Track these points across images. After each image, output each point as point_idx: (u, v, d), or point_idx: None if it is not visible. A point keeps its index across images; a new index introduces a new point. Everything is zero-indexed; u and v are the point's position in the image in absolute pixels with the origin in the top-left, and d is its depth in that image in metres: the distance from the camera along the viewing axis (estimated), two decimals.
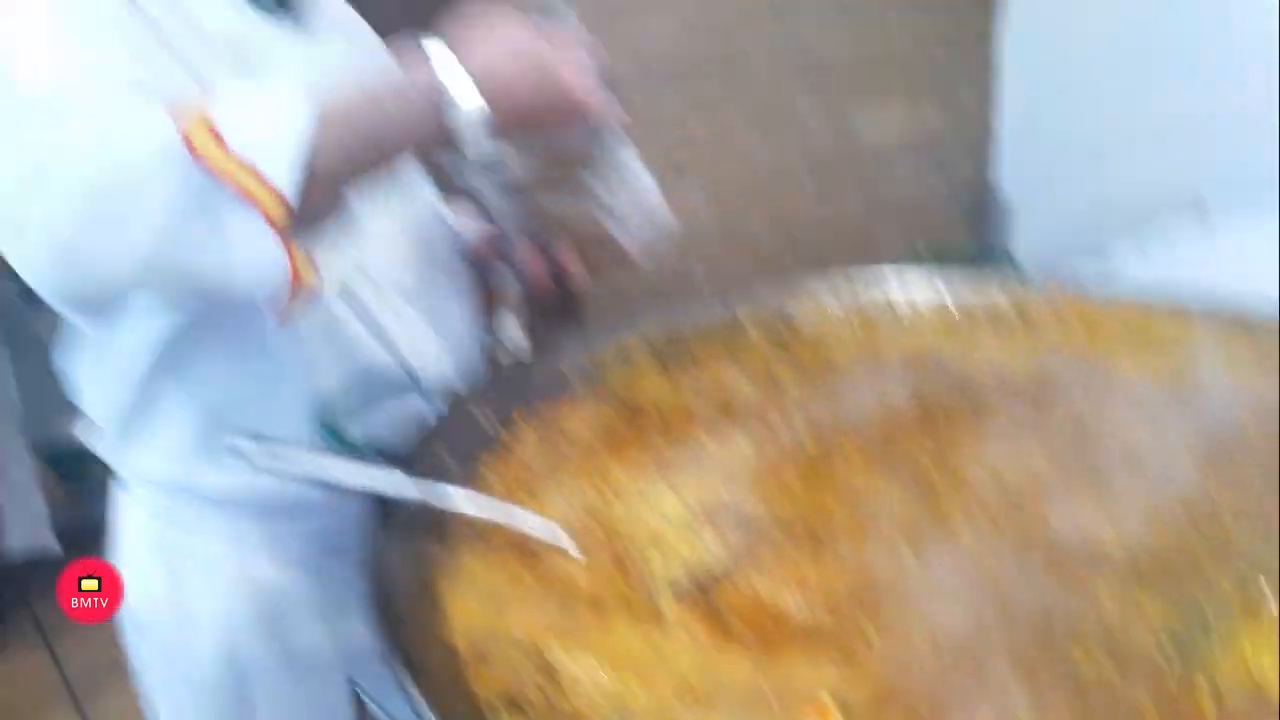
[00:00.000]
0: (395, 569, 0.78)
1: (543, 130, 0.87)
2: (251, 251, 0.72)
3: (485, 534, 0.88)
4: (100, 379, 0.99)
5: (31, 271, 0.75)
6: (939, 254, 2.18)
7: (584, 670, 0.70)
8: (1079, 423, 1.06)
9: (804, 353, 1.28)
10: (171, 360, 0.94)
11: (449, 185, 1.11)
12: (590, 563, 0.83)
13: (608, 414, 1.13)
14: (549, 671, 0.71)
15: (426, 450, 0.94)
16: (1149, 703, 0.65)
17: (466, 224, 1.30)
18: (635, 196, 1.02)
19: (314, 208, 0.74)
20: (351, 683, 1.13)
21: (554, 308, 1.21)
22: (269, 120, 0.74)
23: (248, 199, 0.70)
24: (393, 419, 1.04)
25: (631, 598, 0.79)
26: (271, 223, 0.71)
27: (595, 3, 1.48)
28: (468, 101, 0.77)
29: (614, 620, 0.76)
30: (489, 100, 0.77)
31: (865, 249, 2.08)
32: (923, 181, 2.18)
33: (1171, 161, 1.91)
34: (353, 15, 1.13)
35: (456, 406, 1.04)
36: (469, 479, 0.97)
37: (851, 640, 0.73)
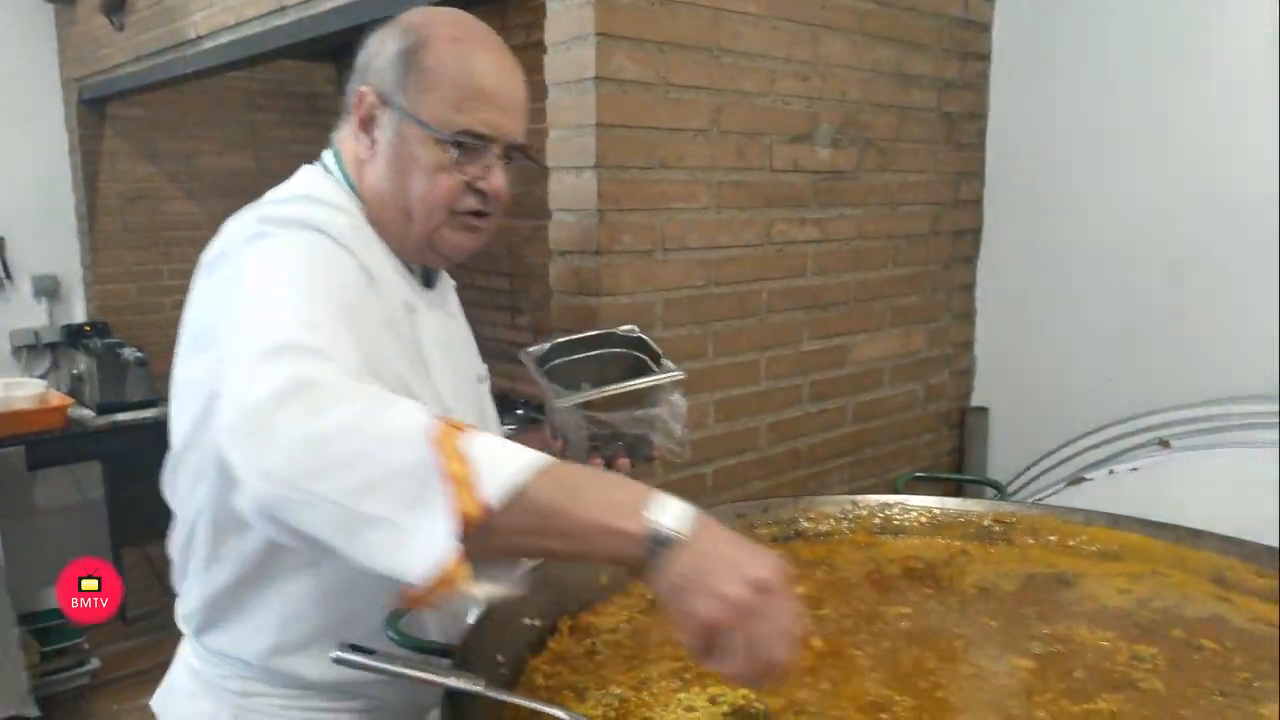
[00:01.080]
0: None
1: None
2: (423, 539, 0.77)
3: None
4: (209, 563, 1.12)
5: (260, 481, 0.80)
6: (926, 467, 2.37)
7: None
8: (1055, 632, 1.20)
9: (810, 557, 1.43)
10: (274, 567, 1.08)
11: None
12: None
13: (634, 611, 1.26)
14: None
15: (478, 648, 1.05)
16: None
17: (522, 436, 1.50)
18: (677, 420, 1.29)
19: (499, 541, 0.81)
20: None
21: None
22: (505, 450, 0.83)
23: (451, 487, 0.78)
24: (443, 618, 1.17)
25: None
26: (464, 521, 0.78)
27: (642, 265, 1.72)
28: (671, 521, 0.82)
29: None
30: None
31: (855, 451, 2.27)
32: (908, 396, 2.39)
33: (1139, 398, 2.12)
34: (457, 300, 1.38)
35: (505, 610, 1.16)
36: (516, 676, 1.09)
37: None
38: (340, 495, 0.78)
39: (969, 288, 2.50)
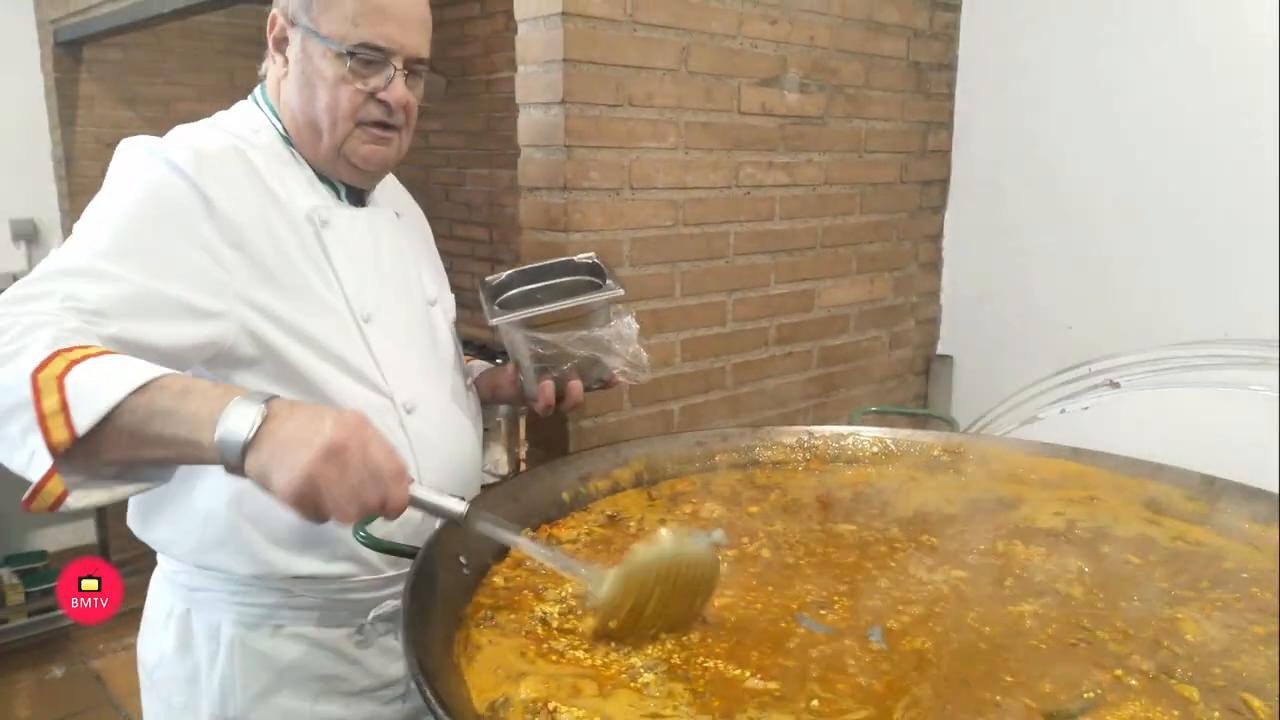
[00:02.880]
0: (428, 650, 0.93)
1: None
2: (24, 457, 0.89)
3: (498, 621, 1.05)
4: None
5: None
6: (887, 406, 2.43)
7: (579, 717, 0.86)
8: (994, 549, 1.26)
9: (765, 482, 1.49)
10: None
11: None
12: (585, 642, 1.00)
13: (594, 525, 1.32)
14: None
15: (441, 550, 1.11)
16: None
17: (479, 365, 1.56)
18: (626, 338, 1.34)
19: (102, 455, 0.91)
20: None
21: (551, 419, 1.46)
22: (111, 376, 0.91)
23: (40, 425, 0.88)
24: (407, 526, 1.23)
25: (620, 673, 0.95)
26: (52, 448, 0.88)
27: (609, 203, 1.76)
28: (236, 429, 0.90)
29: (606, 686, 0.92)
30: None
31: (821, 395, 2.33)
32: (874, 342, 2.45)
33: (1095, 344, 2.19)
34: (409, 200, 1.44)
35: (470, 520, 1.21)
36: (478, 577, 1.15)
37: (795, 701, 0.90)
38: None
39: (936, 237, 2.55)
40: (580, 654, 0.99)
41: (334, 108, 1.20)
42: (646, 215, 1.85)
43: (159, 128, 1.18)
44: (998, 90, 2.42)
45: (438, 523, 1.14)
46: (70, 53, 3.87)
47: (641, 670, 0.96)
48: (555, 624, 1.05)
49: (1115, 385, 1.88)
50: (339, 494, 0.89)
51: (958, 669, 0.98)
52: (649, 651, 0.99)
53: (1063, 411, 1.91)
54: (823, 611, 1.10)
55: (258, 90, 1.30)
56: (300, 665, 1.26)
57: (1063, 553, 1.26)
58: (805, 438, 1.62)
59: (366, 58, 1.19)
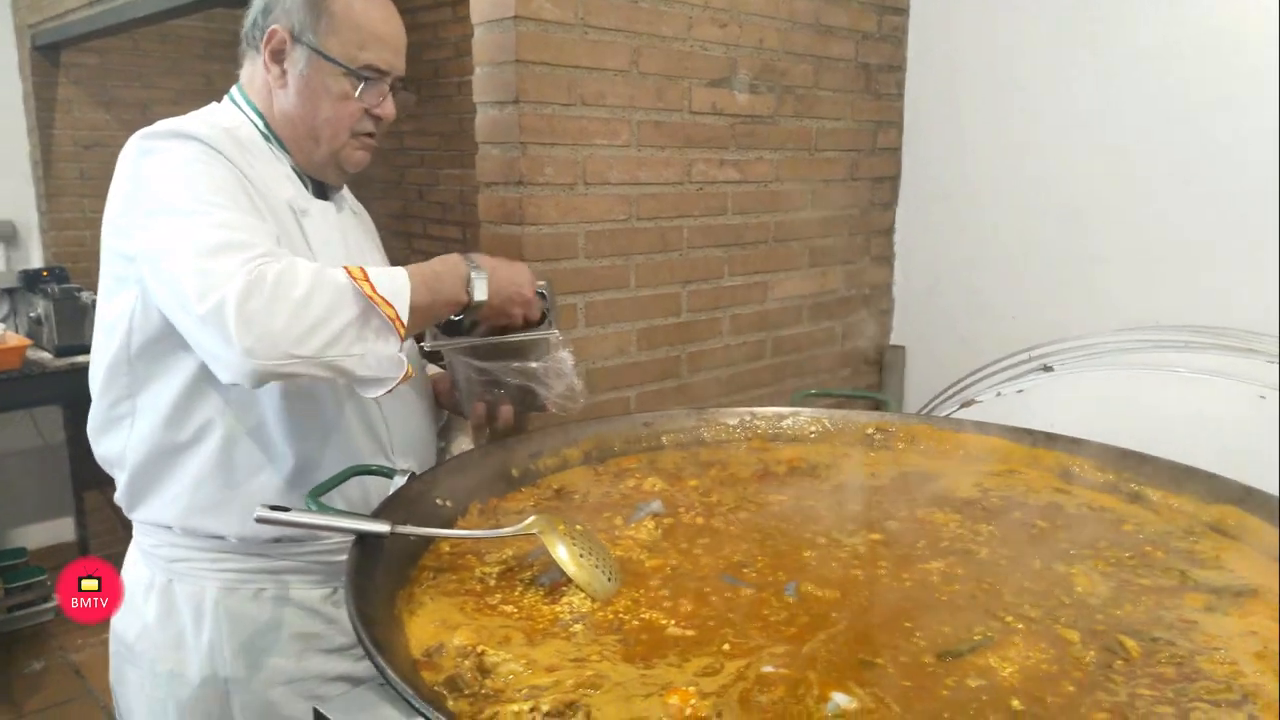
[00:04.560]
0: (372, 604, 1.01)
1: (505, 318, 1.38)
2: (386, 353, 1.15)
3: (440, 582, 1.13)
4: (138, 448, 1.29)
5: (227, 346, 1.07)
6: (829, 389, 2.53)
7: (509, 664, 0.95)
8: (912, 516, 1.36)
9: (707, 459, 1.58)
10: (180, 439, 1.26)
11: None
12: (520, 595, 1.09)
13: (541, 498, 1.41)
14: (483, 667, 0.95)
15: (389, 518, 1.18)
16: (912, 685, 0.92)
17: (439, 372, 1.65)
18: (560, 373, 1.45)
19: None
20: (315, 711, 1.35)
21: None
22: (389, 278, 1.18)
23: (392, 321, 1.14)
24: (366, 494, 1.32)
25: (550, 624, 1.04)
26: (400, 337, 1.16)
27: (564, 198, 1.84)
28: (480, 291, 1.28)
29: (536, 637, 1.01)
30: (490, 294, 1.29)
31: (775, 383, 2.42)
32: (826, 333, 2.54)
33: (1035, 332, 2.29)
34: (353, 199, 1.57)
35: (420, 491, 1.29)
36: (423, 544, 1.23)
37: (711, 645, 0.99)
38: (316, 352, 1.09)
39: (888, 232, 2.65)
40: (512, 608, 1.07)
41: (336, 121, 1.34)
42: (601, 210, 1.94)
43: (136, 131, 1.26)
44: (946, 90, 2.52)
45: (390, 491, 1.22)
46: (48, 57, 3.93)
47: (572, 623, 1.04)
48: (494, 583, 1.13)
49: (1049, 369, 1.98)
50: (523, 300, 1.36)
51: (863, 617, 1.07)
52: (581, 608, 1.08)
53: (999, 394, 2.01)
54: (746, 570, 1.18)
55: (235, 90, 1.40)
56: (282, 625, 1.35)
57: (975, 518, 1.35)
58: (748, 418, 1.71)
59: (369, 77, 1.34)
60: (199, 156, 1.21)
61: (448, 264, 1.28)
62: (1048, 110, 2.30)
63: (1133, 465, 1.46)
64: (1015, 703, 0.90)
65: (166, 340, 1.22)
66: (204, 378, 1.23)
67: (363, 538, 1.09)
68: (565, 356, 1.45)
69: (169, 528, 1.31)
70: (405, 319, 1.15)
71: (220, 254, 1.10)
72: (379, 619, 1.00)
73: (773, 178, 2.28)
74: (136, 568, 1.37)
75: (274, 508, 1.08)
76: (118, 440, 1.31)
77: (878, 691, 0.91)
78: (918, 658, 0.97)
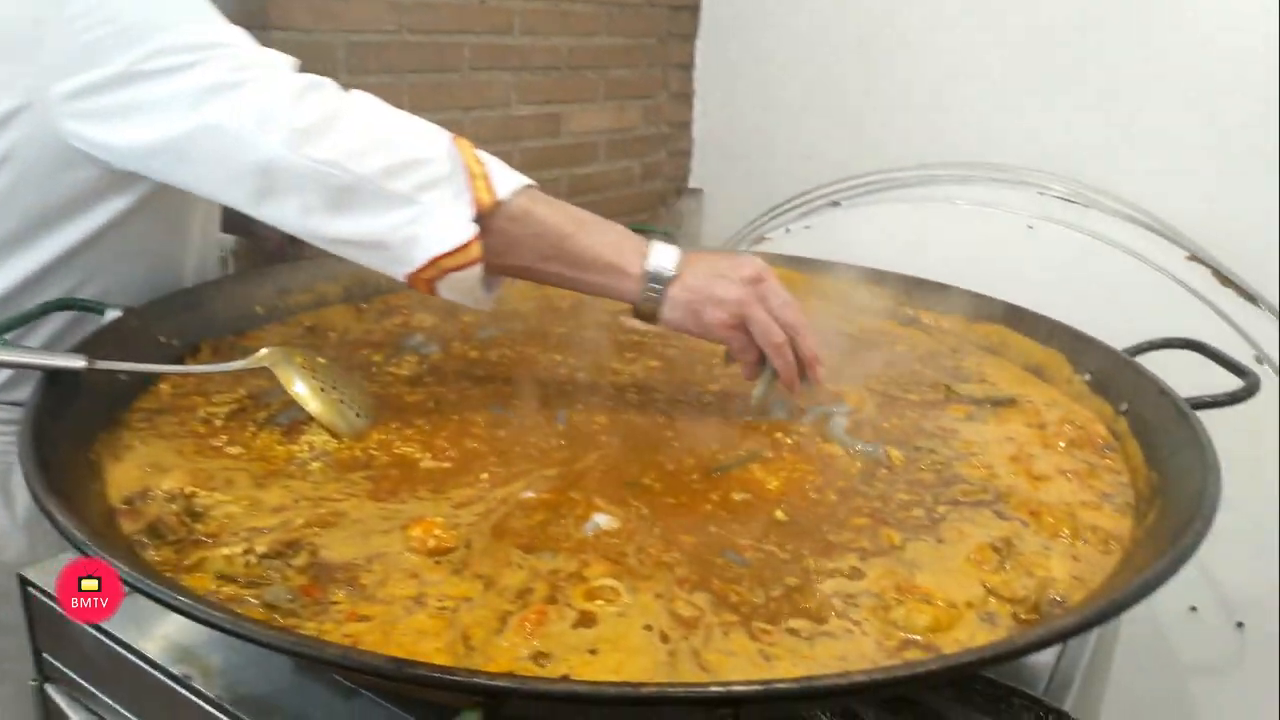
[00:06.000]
0: (55, 445, 0.85)
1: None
2: (448, 218, 0.88)
3: (157, 424, 0.98)
4: None
5: (297, 156, 0.88)
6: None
7: (225, 506, 0.82)
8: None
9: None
10: None
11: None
12: (252, 435, 0.95)
13: (290, 336, 1.25)
14: (192, 511, 0.82)
15: (104, 358, 1.00)
16: (676, 502, 0.87)
17: None
18: None
19: (510, 257, 0.93)
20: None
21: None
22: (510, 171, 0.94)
23: (471, 183, 0.89)
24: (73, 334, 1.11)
25: (285, 464, 0.91)
26: (478, 206, 0.89)
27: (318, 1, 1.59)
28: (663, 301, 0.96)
29: (266, 477, 0.88)
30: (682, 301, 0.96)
31: None
32: (624, 173, 2.44)
33: (829, 170, 2.28)
34: None
35: (138, 327, 1.10)
36: (142, 385, 1.06)
37: (468, 474, 0.90)
38: (373, 173, 0.87)
39: (687, 66, 2.53)
40: (240, 449, 0.94)
41: None
42: (364, 17, 1.71)
43: None
44: None
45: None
46: None
47: (310, 461, 0.93)
48: (220, 424, 0.99)
49: (836, 204, 1.97)
50: (764, 314, 0.95)
51: (634, 439, 1.01)
52: (325, 448, 0.96)
53: (787, 231, 1.99)
54: (516, 401, 1.10)
55: None
56: None
57: None
58: None
59: None
60: None
61: (601, 219, 1.00)
62: None
63: (910, 290, 1.47)
64: (779, 513, 0.87)
65: None
66: None
67: (54, 376, 0.92)
68: None
69: None
70: (500, 194, 0.90)
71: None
72: (69, 463, 0.84)
73: None
74: None
75: None
76: None
77: (640, 507, 0.86)
78: (684, 476, 0.93)
